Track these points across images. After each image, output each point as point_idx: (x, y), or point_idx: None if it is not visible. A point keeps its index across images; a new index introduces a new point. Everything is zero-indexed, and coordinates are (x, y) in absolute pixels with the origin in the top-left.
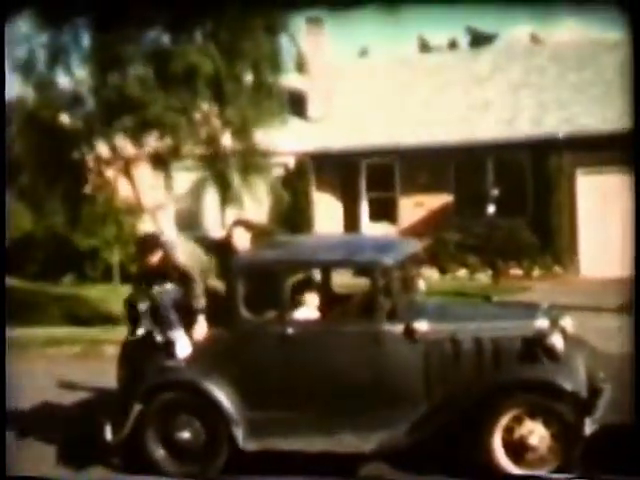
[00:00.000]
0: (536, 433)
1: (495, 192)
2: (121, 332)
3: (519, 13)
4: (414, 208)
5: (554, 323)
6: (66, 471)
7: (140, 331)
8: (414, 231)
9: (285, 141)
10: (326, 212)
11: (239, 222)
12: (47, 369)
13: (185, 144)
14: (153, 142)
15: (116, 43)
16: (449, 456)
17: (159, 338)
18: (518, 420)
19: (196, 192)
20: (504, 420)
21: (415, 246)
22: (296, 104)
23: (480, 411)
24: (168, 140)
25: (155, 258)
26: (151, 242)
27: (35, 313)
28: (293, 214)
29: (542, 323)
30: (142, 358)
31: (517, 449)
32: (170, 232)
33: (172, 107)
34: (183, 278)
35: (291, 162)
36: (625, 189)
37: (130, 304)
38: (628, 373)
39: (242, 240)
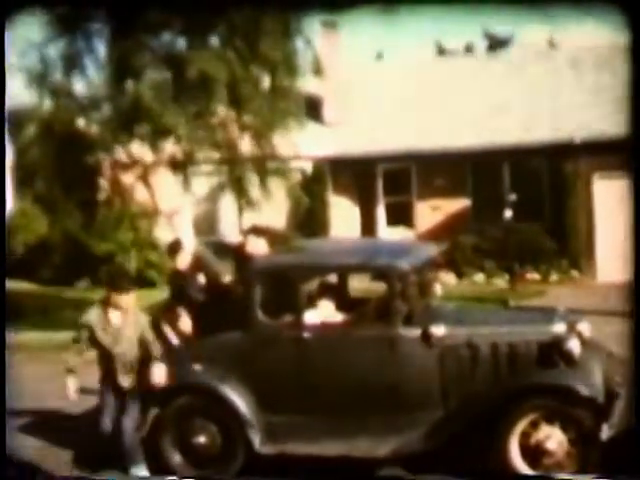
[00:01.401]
0: (553, 438)
1: (512, 197)
2: None
3: (535, 17)
4: (431, 212)
5: (571, 328)
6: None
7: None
8: (431, 235)
9: (302, 145)
10: (343, 216)
11: (254, 229)
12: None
13: (201, 150)
14: (170, 148)
15: (131, 49)
16: (465, 461)
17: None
18: (535, 425)
19: (214, 197)
20: (521, 425)
21: (432, 250)
22: (312, 108)
23: (497, 416)
24: (184, 146)
25: (184, 264)
26: (177, 246)
27: (50, 317)
28: (310, 218)
29: (559, 328)
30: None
31: (534, 454)
32: (187, 237)
33: (186, 114)
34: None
35: (308, 167)
36: None
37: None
38: None
39: (257, 247)
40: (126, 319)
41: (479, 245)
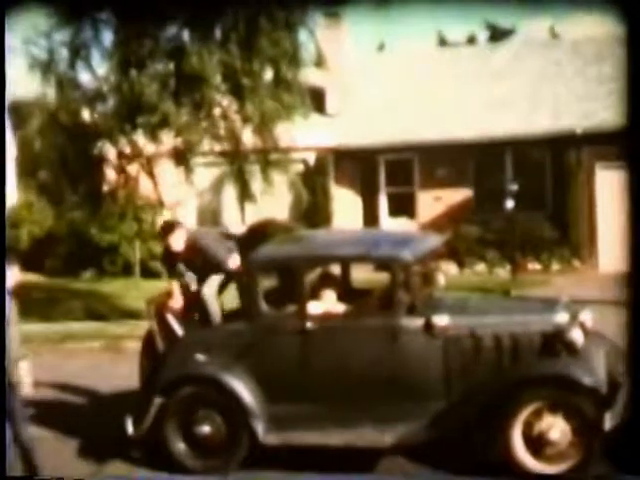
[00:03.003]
0: (556, 427)
1: (514, 187)
2: (140, 327)
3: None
4: (433, 203)
5: (573, 317)
6: (84, 466)
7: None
8: (433, 226)
9: (304, 137)
10: (345, 207)
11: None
12: (67, 364)
13: (203, 141)
14: (171, 139)
15: (136, 40)
16: (468, 451)
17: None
18: (538, 415)
19: (216, 188)
20: (524, 415)
21: (434, 241)
22: (315, 99)
23: (499, 406)
24: (186, 137)
25: (178, 244)
26: (170, 226)
27: (55, 308)
28: (312, 210)
29: (561, 317)
30: (163, 352)
31: (537, 444)
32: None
33: (187, 105)
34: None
35: (310, 158)
36: None
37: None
38: None
39: None
40: None
41: (481, 235)
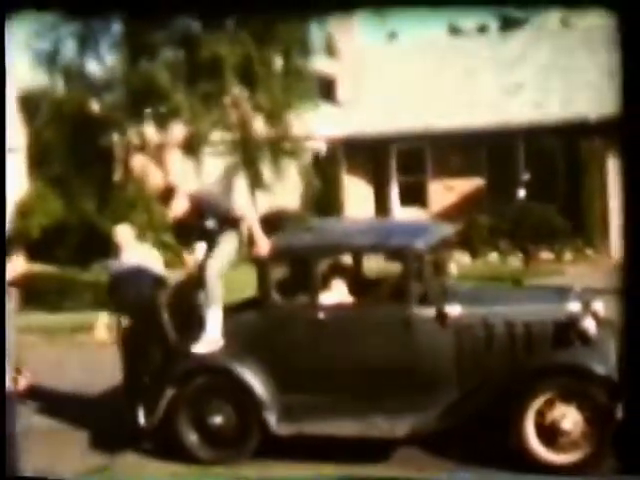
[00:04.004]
0: (569, 417)
1: (526, 176)
2: None
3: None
4: (445, 192)
5: (586, 306)
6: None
7: None
8: (445, 215)
9: (315, 126)
10: (357, 197)
11: None
12: (77, 355)
13: (213, 131)
14: (181, 129)
15: (146, 30)
16: (481, 441)
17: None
18: (550, 404)
19: (227, 178)
20: (536, 404)
21: (447, 230)
22: (326, 88)
23: (512, 395)
24: (197, 127)
25: (182, 207)
26: (169, 191)
27: (65, 299)
28: (324, 199)
29: (574, 307)
30: (175, 342)
31: (549, 433)
32: None
33: (197, 94)
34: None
35: (322, 147)
36: None
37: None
38: None
39: None
40: None
41: (493, 225)
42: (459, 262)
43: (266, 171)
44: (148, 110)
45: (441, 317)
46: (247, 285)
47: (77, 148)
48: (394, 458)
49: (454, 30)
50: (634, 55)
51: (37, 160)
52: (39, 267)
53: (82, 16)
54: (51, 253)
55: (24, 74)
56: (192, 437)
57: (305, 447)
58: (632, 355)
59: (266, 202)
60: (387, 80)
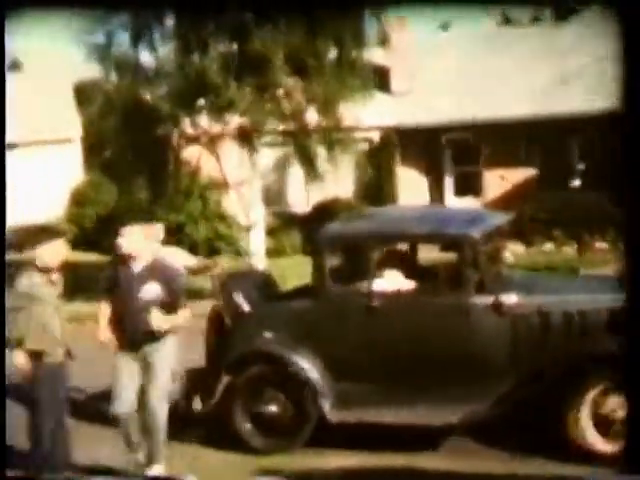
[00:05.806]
0: (623, 407)
1: (580, 165)
2: (204, 306)
3: None
4: (498, 182)
5: None
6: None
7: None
8: (498, 205)
9: (369, 116)
10: (410, 187)
11: None
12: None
13: (266, 121)
14: (235, 119)
15: (198, 22)
16: (535, 430)
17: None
18: (606, 393)
19: (281, 168)
20: (592, 394)
21: (501, 219)
22: (379, 79)
23: (567, 384)
24: (250, 117)
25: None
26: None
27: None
28: (377, 189)
29: None
30: (231, 328)
31: (605, 423)
32: (255, 207)
33: (249, 87)
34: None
35: (375, 137)
36: None
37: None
38: None
39: None
40: None
41: (547, 214)
42: (514, 251)
43: (320, 161)
44: (202, 101)
45: (497, 306)
46: (302, 273)
47: (131, 138)
48: (447, 447)
49: (507, 20)
50: None
51: (93, 150)
52: (92, 256)
53: (132, 8)
54: (105, 242)
55: (78, 66)
56: (246, 425)
57: (355, 436)
58: None
59: (319, 192)
60: (440, 70)
